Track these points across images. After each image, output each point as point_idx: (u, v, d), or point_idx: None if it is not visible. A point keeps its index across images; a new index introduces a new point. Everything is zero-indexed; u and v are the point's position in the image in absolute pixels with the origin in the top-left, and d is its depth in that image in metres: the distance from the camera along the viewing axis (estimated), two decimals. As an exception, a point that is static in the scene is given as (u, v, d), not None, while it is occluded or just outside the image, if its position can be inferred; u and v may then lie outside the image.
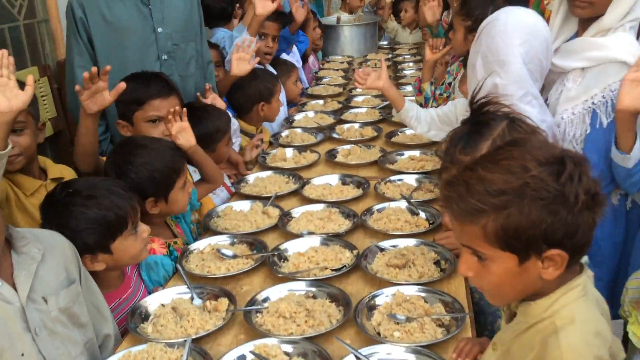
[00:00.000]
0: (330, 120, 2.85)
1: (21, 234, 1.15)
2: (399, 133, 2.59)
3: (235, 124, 2.34)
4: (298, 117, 2.93)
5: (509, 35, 1.46)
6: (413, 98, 2.96)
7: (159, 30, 2.07)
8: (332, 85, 3.54)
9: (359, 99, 3.18)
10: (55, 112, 3.00)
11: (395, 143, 2.49)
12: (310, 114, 2.95)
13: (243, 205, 1.96)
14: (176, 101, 1.86)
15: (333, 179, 2.13)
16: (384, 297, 1.38)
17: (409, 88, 3.24)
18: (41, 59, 3.01)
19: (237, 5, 3.35)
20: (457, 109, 2.26)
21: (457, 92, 2.54)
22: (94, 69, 1.61)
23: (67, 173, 1.72)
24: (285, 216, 1.85)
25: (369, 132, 2.62)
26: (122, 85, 1.64)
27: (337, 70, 3.96)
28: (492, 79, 1.44)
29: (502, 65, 1.44)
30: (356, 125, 2.71)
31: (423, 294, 1.38)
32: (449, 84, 2.65)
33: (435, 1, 3.21)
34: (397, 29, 5.02)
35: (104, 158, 1.74)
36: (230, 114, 2.26)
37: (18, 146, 1.51)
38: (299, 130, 2.68)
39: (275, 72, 2.94)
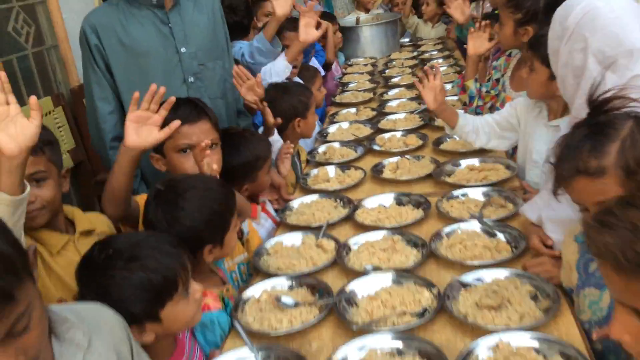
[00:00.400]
0: (367, 130, 2.63)
1: (62, 315, 0.94)
2: (447, 139, 2.36)
3: (279, 140, 2.13)
4: (332, 129, 2.71)
5: (625, 22, 1.23)
6: (455, 98, 2.75)
7: (183, 50, 1.87)
8: (360, 90, 3.32)
9: (393, 103, 2.96)
10: (74, 143, 2.82)
11: (446, 151, 2.26)
12: (344, 124, 2.73)
13: (293, 239, 1.74)
14: (208, 126, 1.65)
15: (387, 199, 1.91)
16: (485, 350, 1.16)
17: (448, 87, 3.01)
18: (53, 88, 2.83)
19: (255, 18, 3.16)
20: (517, 111, 2.04)
21: (509, 90, 2.31)
22: (137, 94, 1.39)
23: (98, 222, 1.50)
24: (343, 249, 1.63)
25: (414, 140, 2.39)
26: (177, 122, 1.42)
27: (362, 73, 3.74)
28: (617, 73, 1.21)
29: (630, 56, 1.21)
30: (398, 134, 2.49)
31: (534, 343, 1.16)
32: (497, 80, 2.42)
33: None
34: (418, 24, 4.78)
35: (137, 198, 1.54)
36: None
37: (40, 199, 1.31)
38: (336, 145, 2.46)
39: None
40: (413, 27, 4.77)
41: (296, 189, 2.18)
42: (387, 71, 3.70)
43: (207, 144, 1.51)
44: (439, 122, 2.57)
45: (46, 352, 0.89)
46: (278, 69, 2.51)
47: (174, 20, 1.86)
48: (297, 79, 2.74)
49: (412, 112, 2.73)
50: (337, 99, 3.23)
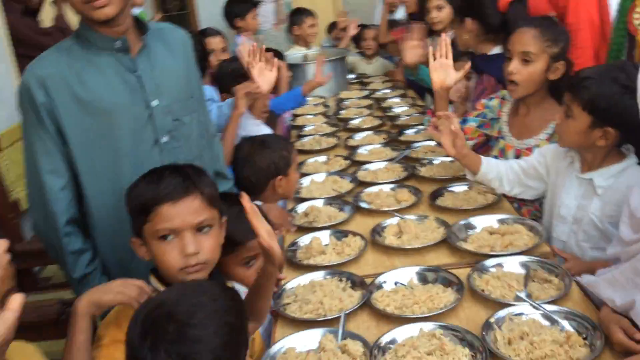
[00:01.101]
0: (346, 183, 2.30)
1: None
2: (444, 192, 2.09)
3: None
4: (305, 182, 2.36)
5: None
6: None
7: (154, 103, 1.47)
8: (320, 135, 3.01)
9: (364, 150, 2.67)
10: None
11: (445, 208, 1.99)
12: (318, 177, 2.39)
13: (306, 340, 1.37)
14: (197, 202, 1.27)
15: (405, 275, 1.59)
16: None
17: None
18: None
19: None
20: (547, 159, 1.81)
21: (509, 139, 2.08)
22: None
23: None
24: (378, 353, 1.29)
25: (406, 195, 2.09)
26: None
27: (316, 115, 3.44)
28: None
29: None
30: (385, 188, 2.19)
31: None
32: (491, 120, 2.18)
33: (417, 41, 2.78)
34: (356, 60, 4.60)
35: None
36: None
37: None
38: (319, 204, 2.12)
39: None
40: (351, 64, 4.58)
41: (283, 265, 1.81)
42: (342, 112, 3.42)
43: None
44: (423, 170, 2.32)
45: None
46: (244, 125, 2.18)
47: (142, 66, 1.46)
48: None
49: (392, 161, 2.45)
50: (298, 145, 2.90)
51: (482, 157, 1.83)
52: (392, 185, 2.20)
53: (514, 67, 1.92)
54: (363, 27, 4.99)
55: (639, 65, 1.54)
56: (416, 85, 3.59)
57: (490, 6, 2.20)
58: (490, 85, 2.23)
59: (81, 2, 1.31)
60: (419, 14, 3.46)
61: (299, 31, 4.30)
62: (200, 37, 2.78)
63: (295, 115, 3.49)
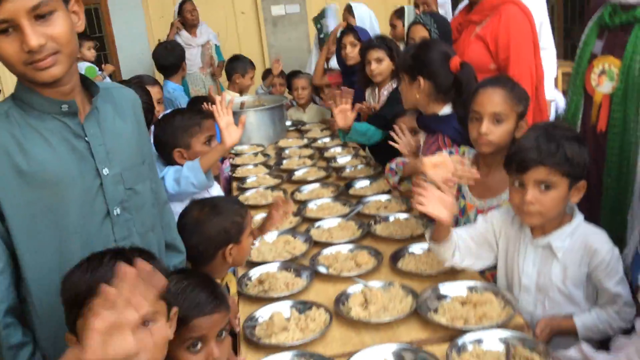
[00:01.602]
0: (300, 244, 2.17)
1: None
2: (405, 254, 2.00)
3: None
4: (254, 244, 2.20)
5: None
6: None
7: (105, 172, 1.29)
8: (264, 188, 2.86)
9: (313, 205, 2.56)
10: None
11: (409, 273, 1.89)
12: (268, 236, 2.23)
13: None
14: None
15: (379, 356, 1.46)
16: None
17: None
18: None
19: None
20: (494, 226, 1.77)
21: (470, 198, 2.03)
22: None
23: None
24: None
25: (365, 258, 1.97)
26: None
27: (256, 165, 3.30)
28: None
29: None
30: (343, 250, 2.07)
31: None
32: None
33: (348, 105, 2.75)
34: (291, 108, 4.55)
35: None
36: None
37: None
38: (273, 270, 1.96)
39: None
40: (287, 110, 4.51)
41: (240, 346, 1.62)
42: (284, 162, 3.30)
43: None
44: (379, 229, 2.23)
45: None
46: (196, 183, 2.01)
47: (91, 131, 1.28)
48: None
49: (345, 218, 2.35)
50: (241, 199, 2.73)
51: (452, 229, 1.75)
52: (349, 246, 2.09)
53: (487, 127, 1.88)
54: (294, 74, 4.99)
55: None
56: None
57: (442, 66, 2.18)
58: (446, 146, 2.20)
59: (22, 63, 1.14)
60: (358, 64, 3.46)
61: (239, 80, 4.18)
62: (145, 88, 2.59)
63: (234, 166, 3.34)
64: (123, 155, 1.34)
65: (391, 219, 2.31)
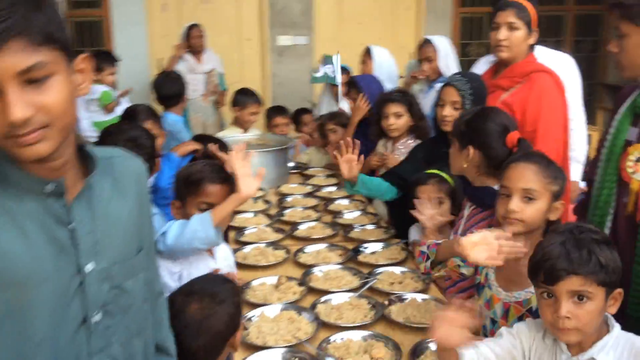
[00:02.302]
0: (306, 323, 1.91)
1: None
2: (425, 348, 1.76)
3: None
4: (252, 318, 1.94)
5: None
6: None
7: (89, 268, 1.03)
8: (265, 245, 2.61)
9: (318, 271, 2.31)
10: None
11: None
12: (269, 310, 1.98)
13: None
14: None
15: None
16: None
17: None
18: None
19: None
20: (523, 343, 1.52)
21: (496, 288, 1.79)
22: None
23: None
24: None
25: (382, 351, 1.74)
26: None
27: (256, 214, 3.05)
28: None
29: None
30: (354, 337, 1.82)
31: None
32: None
33: (354, 155, 2.54)
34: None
35: None
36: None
37: None
38: (277, 358, 1.71)
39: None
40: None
41: None
42: (287, 213, 3.06)
43: None
44: (395, 312, 1.98)
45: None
46: (203, 237, 1.77)
47: (79, 216, 1.02)
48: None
49: (357, 294, 2.10)
50: (239, 257, 2.47)
51: (464, 351, 1.50)
52: (362, 333, 1.84)
53: (516, 204, 1.67)
54: (301, 111, 4.78)
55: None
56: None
57: (497, 139, 1.97)
58: (496, 223, 1.97)
59: (1, 136, 0.89)
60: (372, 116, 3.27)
61: (239, 113, 3.96)
62: (147, 131, 2.36)
63: (237, 212, 3.08)
64: (116, 244, 1.08)
65: (407, 298, 2.08)
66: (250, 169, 2.00)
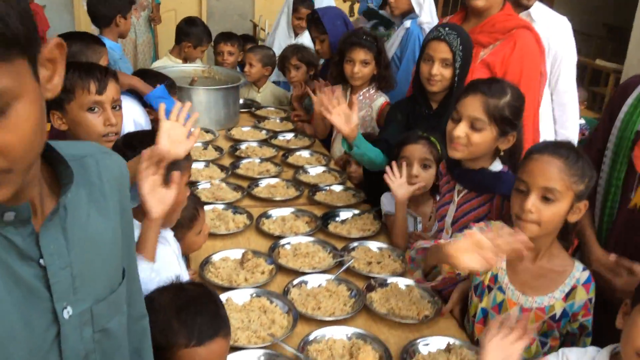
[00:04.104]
0: (280, 315, 1.69)
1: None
2: (417, 352, 1.60)
3: None
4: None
5: None
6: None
7: (67, 313, 0.76)
8: (223, 207, 2.32)
9: (288, 246, 2.08)
10: None
11: None
12: (239, 298, 1.74)
13: None
14: None
15: None
16: None
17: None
18: None
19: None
20: None
21: (514, 292, 1.62)
22: None
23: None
24: None
25: (369, 356, 1.56)
26: None
27: (208, 165, 2.73)
28: None
29: None
30: (338, 334, 1.63)
31: None
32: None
33: (345, 104, 2.26)
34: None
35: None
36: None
37: None
38: (254, 368, 1.49)
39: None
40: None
41: None
42: (242, 165, 2.76)
43: None
44: (375, 300, 1.81)
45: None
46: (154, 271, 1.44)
47: (51, 248, 0.74)
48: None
49: (333, 277, 1.89)
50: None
51: None
52: (346, 330, 1.65)
53: (533, 204, 1.49)
54: (246, 39, 4.37)
55: None
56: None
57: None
58: (496, 208, 1.78)
59: None
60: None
61: (188, 49, 3.53)
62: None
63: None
64: (98, 276, 0.81)
65: (388, 282, 1.90)
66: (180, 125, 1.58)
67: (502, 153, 1.78)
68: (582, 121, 4.37)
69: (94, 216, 0.81)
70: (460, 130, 1.71)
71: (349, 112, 2.25)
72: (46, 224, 0.74)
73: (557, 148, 1.54)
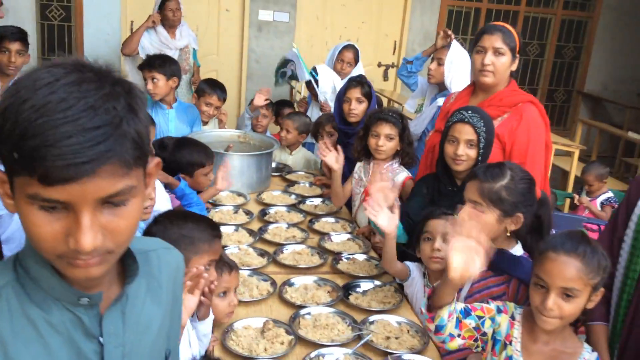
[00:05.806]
0: None
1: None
2: None
3: None
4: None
5: None
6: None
7: None
8: (248, 273, 2.40)
9: (308, 316, 2.13)
10: None
11: None
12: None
13: None
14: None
15: None
16: None
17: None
18: None
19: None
20: None
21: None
22: None
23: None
24: None
25: None
26: None
27: (238, 229, 2.82)
28: None
29: None
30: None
31: None
32: (495, 340, 1.72)
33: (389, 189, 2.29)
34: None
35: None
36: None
37: None
38: None
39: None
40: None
41: None
42: (269, 230, 2.85)
43: None
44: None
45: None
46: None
47: (111, 329, 0.86)
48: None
49: (351, 351, 1.92)
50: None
51: None
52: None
53: (554, 303, 1.54)
54: (282, 104, 4.56)
55: None
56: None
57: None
58: (512, 292, 1.82)
59: (54, 255, 0.76)
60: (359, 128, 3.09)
61: (195, 101, 3.73)
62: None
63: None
64: (144, 357, 0.92)
65: (406, 358, 1.92)
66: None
67: (508, 233, 1.84)
68: (611, 194, 4.39)
69: (148, 304, 0.93)
70: (465, 212, 1.81)
71: (392, 215, 2.22)
72: (111, 307, 0.86)
73: (573, 245, 1.56)
